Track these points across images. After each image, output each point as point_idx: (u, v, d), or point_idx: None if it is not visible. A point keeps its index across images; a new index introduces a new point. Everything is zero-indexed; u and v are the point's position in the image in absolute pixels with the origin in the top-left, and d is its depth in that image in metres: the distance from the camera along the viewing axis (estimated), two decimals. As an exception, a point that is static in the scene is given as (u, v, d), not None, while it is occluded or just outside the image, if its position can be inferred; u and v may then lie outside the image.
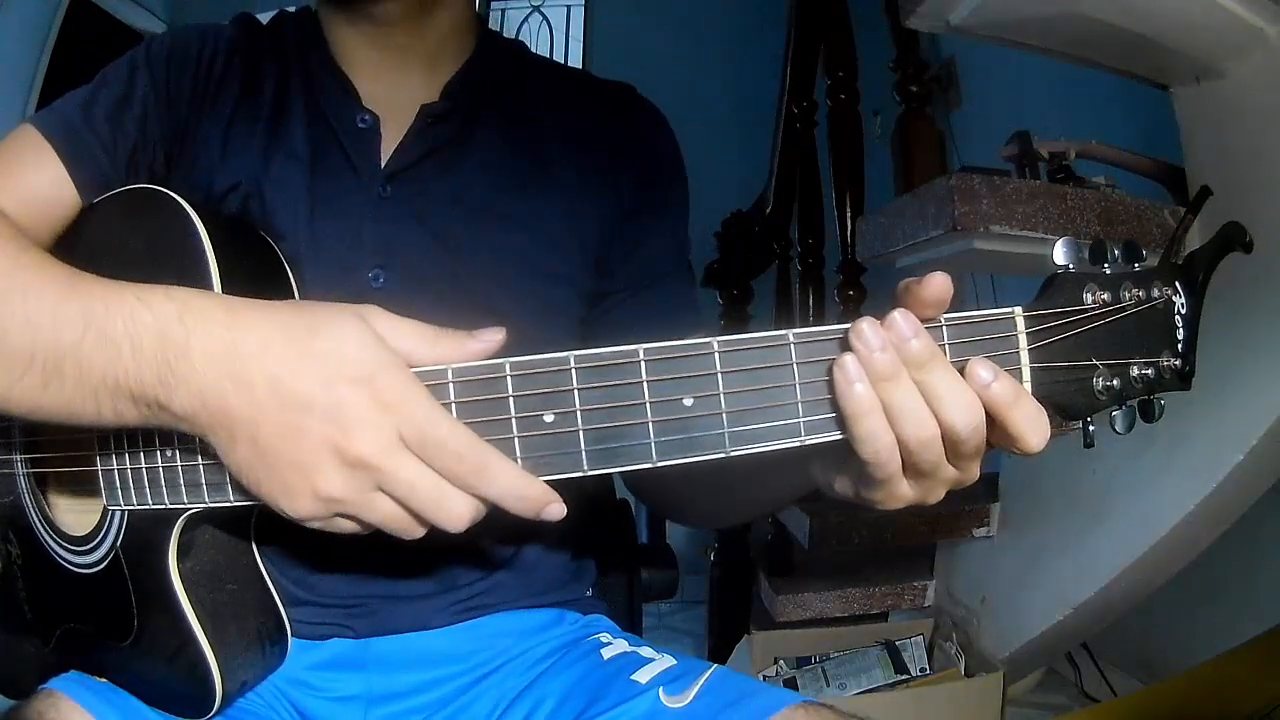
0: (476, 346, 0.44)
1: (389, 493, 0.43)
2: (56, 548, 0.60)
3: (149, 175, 0.64)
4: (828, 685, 1.58)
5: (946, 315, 0.42)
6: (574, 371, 0.42)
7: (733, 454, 0.42)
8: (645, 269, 0.71)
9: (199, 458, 0.49)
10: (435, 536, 0.55)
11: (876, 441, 0.41)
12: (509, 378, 0.43)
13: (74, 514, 0.60)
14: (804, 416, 0.42)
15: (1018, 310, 0.43)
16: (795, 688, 1.58)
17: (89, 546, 0.58)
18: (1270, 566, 1.49)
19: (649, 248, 0.71)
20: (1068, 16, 1.13)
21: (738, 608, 1.95)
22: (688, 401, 0.42)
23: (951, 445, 0.42)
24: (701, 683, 0.58)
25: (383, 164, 0.65)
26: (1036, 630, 1.45)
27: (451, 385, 0.43)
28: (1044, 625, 1.43)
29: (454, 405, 0.43)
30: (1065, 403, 0.44)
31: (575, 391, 0.42)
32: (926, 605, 1.74)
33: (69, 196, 0.61)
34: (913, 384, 0.41)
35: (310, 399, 0.41)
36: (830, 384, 0.41)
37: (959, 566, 1.69)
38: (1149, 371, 0.44)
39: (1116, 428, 0.44)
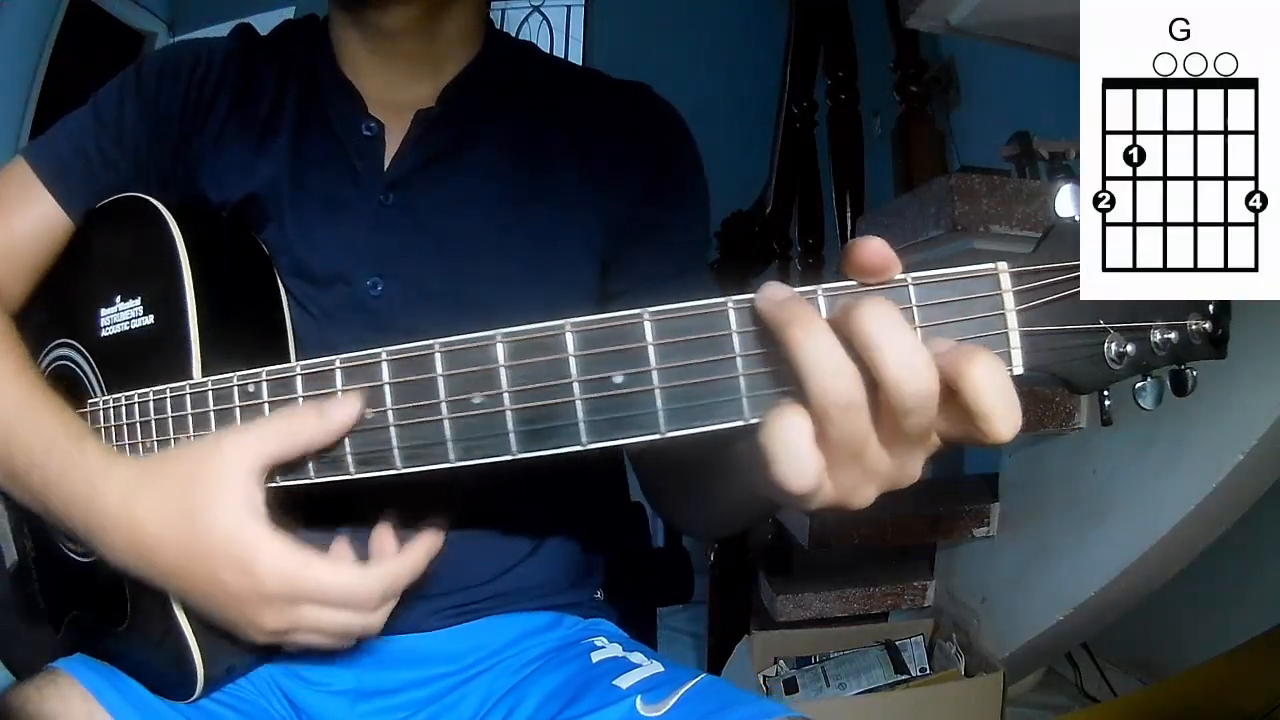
0: (337, 421, 0.45)
1: (308, 631, 0.49)
2: (62, 538, 0.62)
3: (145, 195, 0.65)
4: (828, 685, 1.58)
5: (914, 274, 0.38)
6: (500, 348, 0.41)
7: (669, 435, 0.39)
8: (655, 269, 0.68)
9: (157, 449, 0.53)
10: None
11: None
12: (438, 356, 0.42)
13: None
14: (747, 393, 0.38)
15: (1001, 265, 0.37)
16: (795, 688, 1.58)
17: (87, 538, 0.60)
18: (1270, 566, 1.49)
19: (658, 247, 0.69)
20: (1068, 16, 1.13)
21: (738, 608, 1.94)
22: (618, 378, 0.39)
23: (889, 416, 0.35)
24: (682, 692, 0.56)
25: (385, 171, 0.65)
26: (1036, 630, 1.45)
27: (385, 364, 0.44)
28: (1044, 625, 1.43)
29: (387, 387, 0.43)
30: (1072, 374, 0.38)
31: (501, 370, 0.41)
32: (926, 605, 1.73)
33: (63, 227, 0.64)
34: (833, 334, 0.35)
35: (212, 592, 0.48)
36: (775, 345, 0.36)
37: (959, 566, 1.69)
38: (1172, 336, 0.37)
39: (1142, 403, 0.38)
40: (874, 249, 0.36)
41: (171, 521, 0.47)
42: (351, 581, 0.47)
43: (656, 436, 0.39)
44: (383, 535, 0.52)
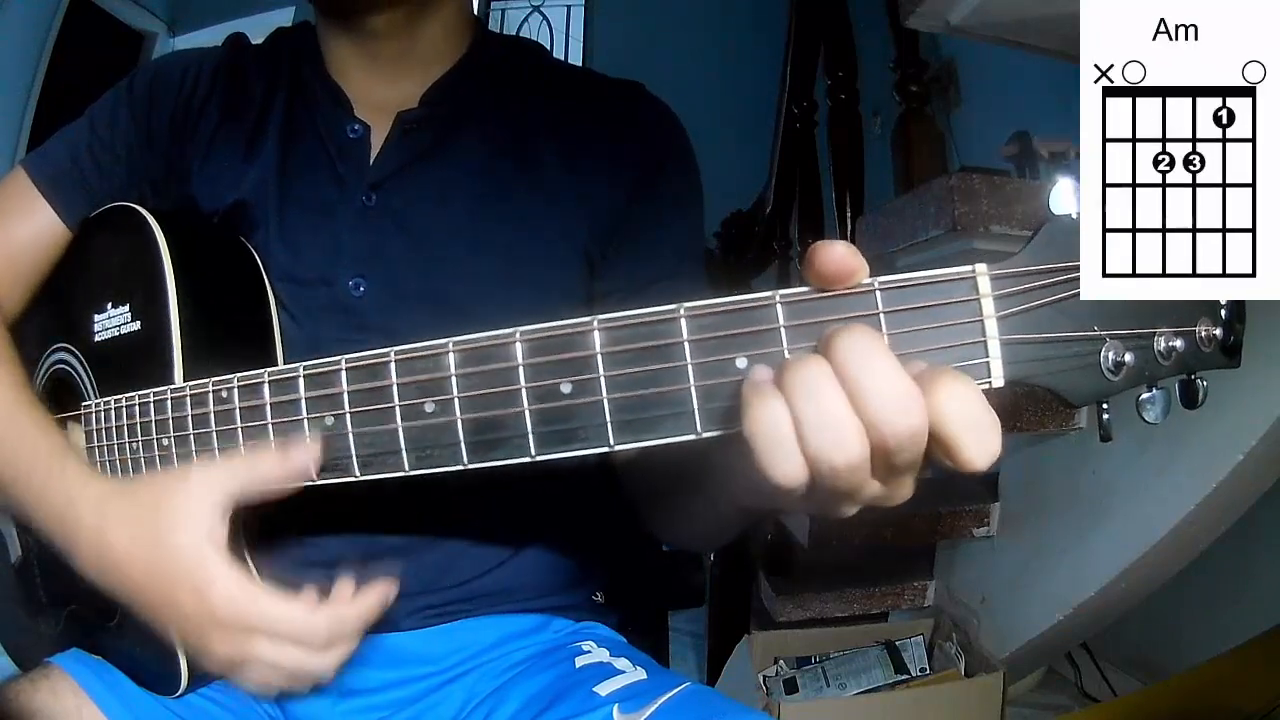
0: (293, 464, 0.47)
1: (260, 665, 0.50)
2: None
3: (139, 204, 0.66)
4: (828, 685, 1.58)
5: (881, 279, 0.35)
6: (451, 357, 0.40)
7: (617, 447, 0.38)
8: (645, 268, 0.67)
9: (141, 451, 0.55)
10: (420, 536, 0.61)
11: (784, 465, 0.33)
12: (393, 364, 0.42)
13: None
14: (700, 405, 0.36)
15: (980, 267, 0.34)
16: (795, 688, 1.58)
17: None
18: (1270, 566, 1.49)
19: (647, 248, 0.68)
20: (1068, 16, 1.13)
21: (738, 607, 1.95)
22: (565, 388, 0.38)
23: (881, 459, 0.33)
24: (661, 701, 0.55)
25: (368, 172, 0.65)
26: (1036, 630, 1.45)
27: (344, 372, 0.44)
28: (1044, 625, 1.43)
29: (346, 394, 0.44)
30: (1062, 386, 0.34)
31: (453, 378, 0.40)
32: (926, 605, 1.74)
33: (61, 234, 0.67)
34: (835, 389, 0.32)
35: (169, 613, 0.51)
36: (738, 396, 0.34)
37: (959, 566, 1.69)
38: (1179, 344, 0.34)
39: (1147, 417, 0.35)
40: (836, 255, 0.34)
41: (138, 543, 0.51)
42: (298, 617, 0.49)
43: (605, 449, 0.38)
44: (343, 585, 0.53)
